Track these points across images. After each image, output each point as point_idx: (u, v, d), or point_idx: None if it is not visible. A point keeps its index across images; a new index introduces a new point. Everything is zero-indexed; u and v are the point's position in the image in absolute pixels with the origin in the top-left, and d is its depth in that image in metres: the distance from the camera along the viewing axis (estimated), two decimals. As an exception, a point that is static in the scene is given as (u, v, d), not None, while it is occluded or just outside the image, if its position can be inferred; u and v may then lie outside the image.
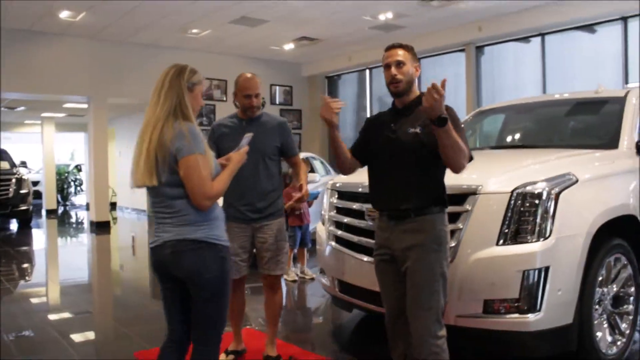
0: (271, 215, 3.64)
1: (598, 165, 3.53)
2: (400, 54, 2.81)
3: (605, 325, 3.39)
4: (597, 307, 3.29)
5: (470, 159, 2.69)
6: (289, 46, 12.12)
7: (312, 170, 9.09)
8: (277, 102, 13.94)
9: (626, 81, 8.92)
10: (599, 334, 3.29)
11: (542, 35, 10.00)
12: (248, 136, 2.83)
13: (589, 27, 9.56)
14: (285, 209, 6.35)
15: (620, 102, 4.18)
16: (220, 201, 3.66)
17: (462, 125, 2.76)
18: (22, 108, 14.76)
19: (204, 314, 2.51)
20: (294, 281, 6.30)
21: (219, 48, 12.27)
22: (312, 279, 6.37)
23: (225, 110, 12.64)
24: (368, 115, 13.20)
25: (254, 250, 3.71)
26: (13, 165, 13.34)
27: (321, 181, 8.83)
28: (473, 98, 10.67)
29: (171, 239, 2.45)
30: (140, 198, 15.24)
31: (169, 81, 2.50)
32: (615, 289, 3.46)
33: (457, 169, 2.64)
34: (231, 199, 3.65)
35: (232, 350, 3.81)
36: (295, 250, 6.55)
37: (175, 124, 2.42)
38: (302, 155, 8.83)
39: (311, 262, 6.76)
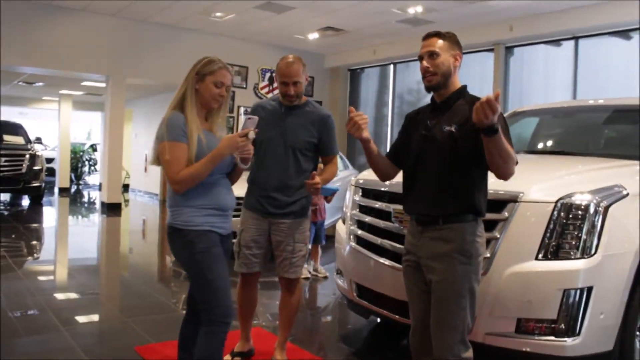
0: (293, 213, 3.34)
1: (647, 179, 3.23)
2: (435, 44, 2.52)
3: (643, 353, 3.13)
4: (638, 333, 3.02)
5: (515, 163, 2.43)
6: (313, 36, 11.85)
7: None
8: (298, 93, 13.66)
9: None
10: (638, 362, 3.03)
11: (576, 38, 9.64)
12: (252, 119, 2.61)
13: (624, 33, 9.19)
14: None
15: (669, 111, 3.89)
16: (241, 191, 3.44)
17: (506, 127, 2.48)
18: (40, 84, 14.62)
19: (195, 294, 2.69)
20: (307, 279, 6.06)
21: (242, 34, 12.03)
22: (325, 277, 6.14)
23: (245, 97, 12.44)
24: (390, 111, 12.94)
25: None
26: (28, 141, 13.22)
27: (339, 176, 8.57)
28: (500, 100, 10.33)
29: None
30: (154, 181, 15.10)
31: (187, 73, 2.68)
32: (656, 314, 3.18)
33: (504, 177, 2.36)
34: (252, 187, 3.40)
35: (238, 351, 3.58)
36: (309, 247, 6.31)
37: (167, 113, 2.62)
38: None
39: (323, 258, 6.53)
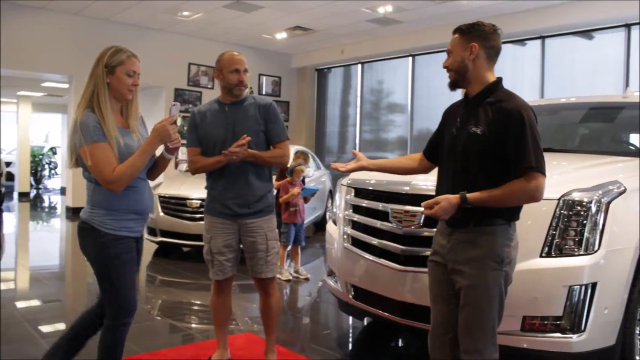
0: (261, 211, 3.27)
1: (640, 174, 3.26)
2: (451, 42, 2.46)
3: (639, 347, 3.15)
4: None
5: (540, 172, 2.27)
6: (281, 35, 11.75)
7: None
8: (265, 93, 13.55)
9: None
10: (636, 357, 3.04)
11: (543, 38, 9.82)
12: (176, 105, 2.63)
13: (587, 33, 9.40)
14: (280, 203, 6.08)
15: (653, 107, 3.94)
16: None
17: (533, 139, 2.25)
18: (-3, 85, 14.11)
19: (100, 291, 2.65)
20: (288, 281, 5.97)
21: (209, 33, 11.84)
22: (307, 279, 6.04)
23: (213, 98, 12.19)
24: (358, 111, 12.93)
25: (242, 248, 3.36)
26: (-15, 144, 12.75)
27: (314, 176, 8.51)
28: (468, 98, 10.45)
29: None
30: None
31: (91, 69, 2.56)
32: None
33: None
34: (215, 192, 3.27)
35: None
36: (289, 248, 6.22)
37: (78, 115, 2.50)
38: (298, 148, 8.50)
39: (302, 259, 6.44)
